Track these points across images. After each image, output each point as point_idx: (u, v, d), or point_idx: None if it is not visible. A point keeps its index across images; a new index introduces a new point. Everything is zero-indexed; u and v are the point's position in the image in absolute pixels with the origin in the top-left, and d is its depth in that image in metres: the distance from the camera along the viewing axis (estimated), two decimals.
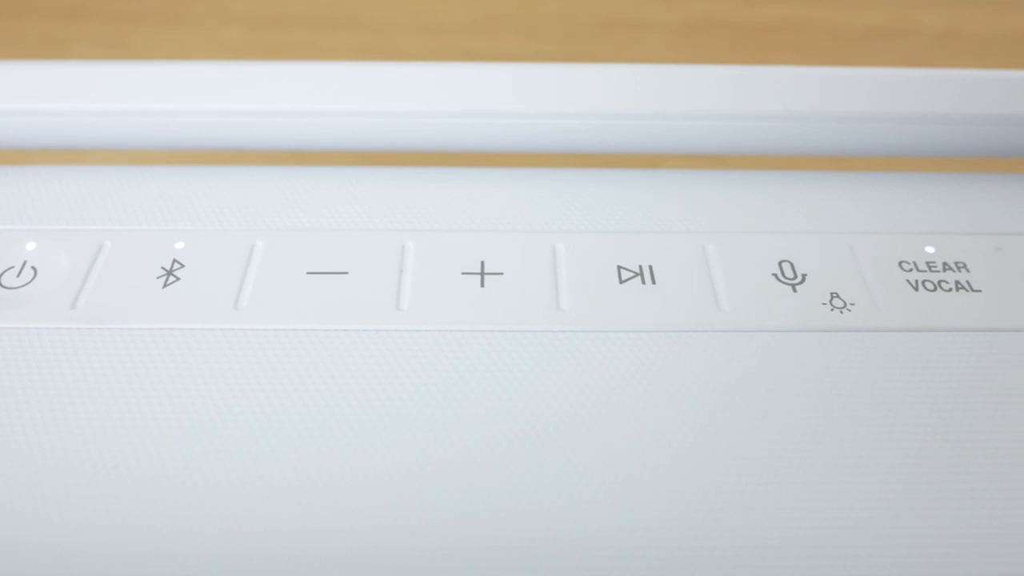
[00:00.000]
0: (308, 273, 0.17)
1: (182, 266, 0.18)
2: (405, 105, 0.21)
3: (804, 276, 0.18)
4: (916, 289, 0.18)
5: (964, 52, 0.40)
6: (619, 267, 0.18)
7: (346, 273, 0.17)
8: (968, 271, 0.18)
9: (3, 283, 0.17)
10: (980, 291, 0.18)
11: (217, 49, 0.40)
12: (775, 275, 0.18)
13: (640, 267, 0.18)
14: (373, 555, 0.14)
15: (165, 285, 0.17)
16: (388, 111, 0.21)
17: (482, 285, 0.17)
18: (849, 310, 0.17)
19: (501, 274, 0.18)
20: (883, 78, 0.21)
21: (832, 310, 0.17)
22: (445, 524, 0.14)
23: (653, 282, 0.17)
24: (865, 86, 0.21)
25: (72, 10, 0.42)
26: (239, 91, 0.21)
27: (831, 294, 0.17)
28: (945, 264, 0.18)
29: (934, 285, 0.18)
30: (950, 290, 0.18)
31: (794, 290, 0.17)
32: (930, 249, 0.18)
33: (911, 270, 0.18)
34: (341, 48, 0.40)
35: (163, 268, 0.18)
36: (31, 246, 0.18)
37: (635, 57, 0.41)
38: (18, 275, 0.17)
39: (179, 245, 0.18)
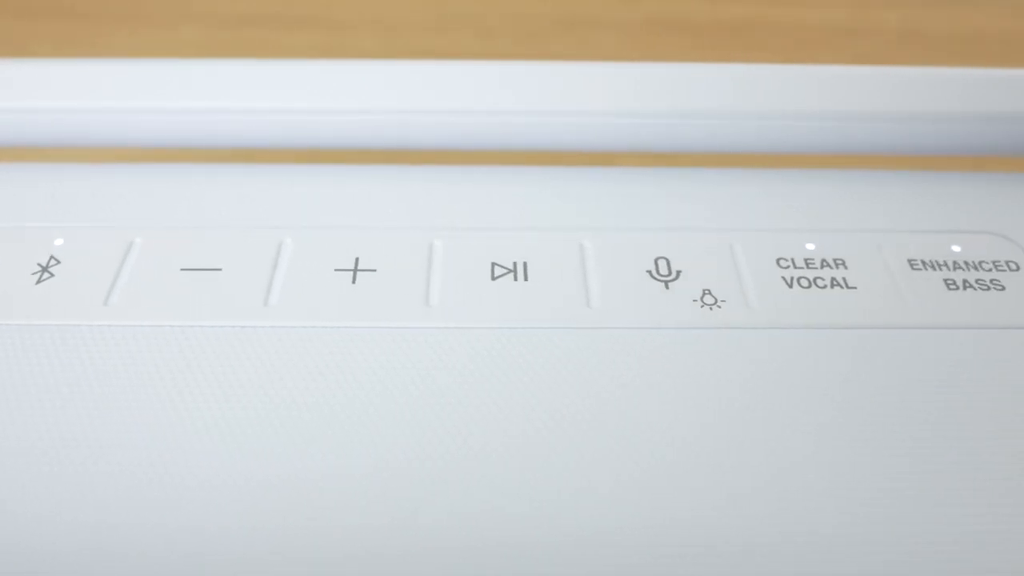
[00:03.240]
0: (182, 269, 0.17)
1: (58, 263, 0.18)
2: (348, 103, 0.21)
3: (678, 273, 0.18)
4: (790, 286, 0.18)
5: (924, 50, 0.40)
6: (493, 264, 0.18)
7: (220, 270, 0.17)
8: (846, 268, 0.18)
9: None
10: (855, 288, 0.18)
11: (176, 48, 0.40)
12: (649, 272, 0.18)
13: (514, 264, 0.18)
14: (220, 558, 0.14)
15: (39, 281, 0.17)
16: (338, 109, 0.21)
17: (353, 282, 0.17)
18: (719, 307, 0.17)
19: (374, 271, 0.18)
20: (836, 75, 0.21)
21: (702, 307, 0.17)
22: (312, 526, 0.14)
23: (525, 279, 0.17)
24: (816, 83, 0.21)
25: (32, 10, 0.42)
26: (193, 89, 0.21)
27: (703, 291, 0.17)
28: (824, 261, 0.18)
29: (809, 282, 0.18)
30: (825, 287, 0.18)
31: (666, 287, 0.17)
32: (811, 246, 0.18)
33: (788, 267, 0.18)
34: (299, 47, 0.40)
35: (39, 264, 0.18)
36: None
37: (593, 56, 0.41)
38: None
39: (58, 242, 0.18)
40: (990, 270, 0.18)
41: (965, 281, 0.18)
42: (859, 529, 0.14)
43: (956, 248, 0.18)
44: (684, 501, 0.14)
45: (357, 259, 0.18)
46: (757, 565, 0.14)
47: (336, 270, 0.18)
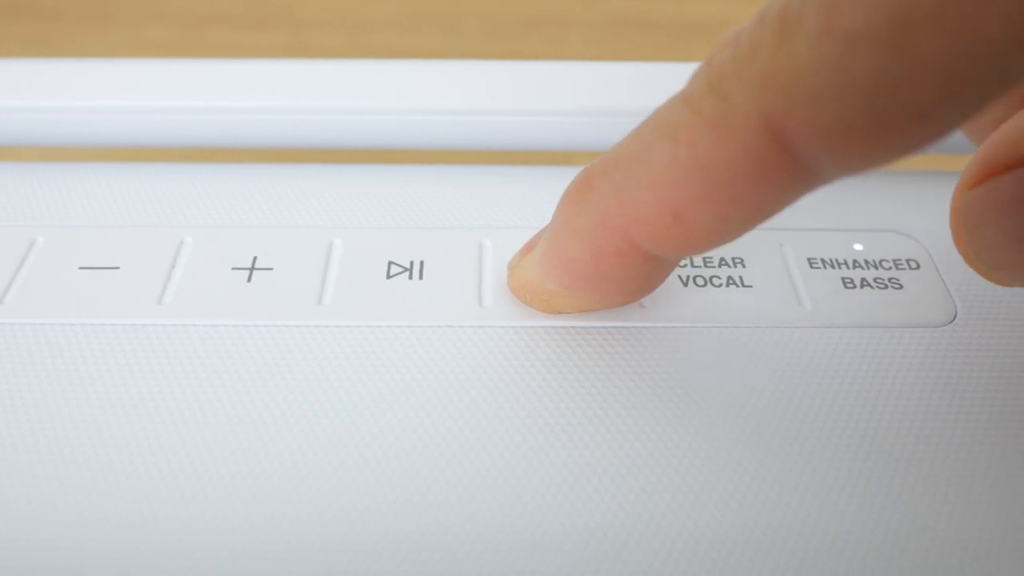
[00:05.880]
0: (80, 268, 0.18)
1: None
2: (311, 102, 0.21)
3: None
4: (685, 284, 0.18)
5: None
6: (390, 262, 0.18)
7: (117, 268, 0.18)
8: (744, 267, 0.18)
9: None
10: (751, 287, 0.18)
11: (142, 48, 0.40)
12: None
13: (411, 263, 0.18)
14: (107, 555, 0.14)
15: None
16: (299, 108, 0.21)
17: (249, 280, 0.17)
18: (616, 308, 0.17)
19: (271, 269, 0.18)
20: None
21: None
22: (201, 523, 0.14)
23: (421, 278, 0.18)
24: None
25: None
26: (155, 88, 0.21)
27: None
28: (722, 260, 0.18)
29: (705, 280, 0.18)
30: (720, 286, 0.18)
31: None
32: None
33: (685, 265, 0.18)
34: (265, 46, 0.40)
35: None
36: None
37: (560, 55, 0.41)
38: None
39: None
40: (890, 268, 0.18)
41: (863, 280, 0.18)
42: (748, 531, 0.14)
43: (858, 246, 0.18)
44: (574, 498, 0.14)
45: (255, 258, 0.18)
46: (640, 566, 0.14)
47: (233, 268, 0.18)
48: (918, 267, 0.18)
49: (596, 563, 0.14)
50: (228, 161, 0.20)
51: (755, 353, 0.16)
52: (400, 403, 0.15)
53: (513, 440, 0.15)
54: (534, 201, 0.19)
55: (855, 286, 0.18)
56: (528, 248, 0.16)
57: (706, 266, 0.18)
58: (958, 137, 0.19)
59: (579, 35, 0.42)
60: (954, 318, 0.17)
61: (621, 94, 0.21)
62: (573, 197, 0.15)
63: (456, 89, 0.21)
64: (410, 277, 0.17)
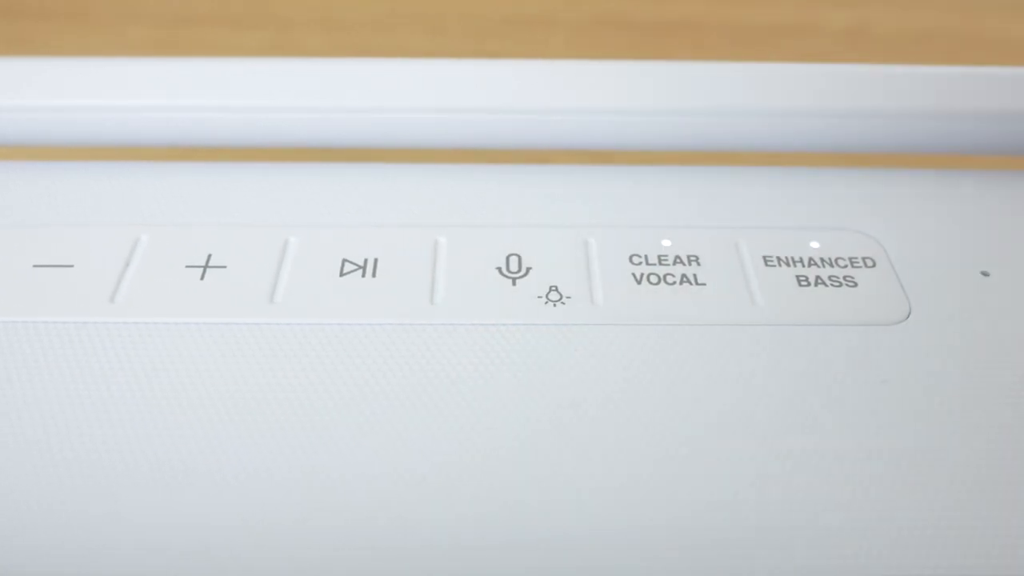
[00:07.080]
0: (34, 266, 0.18)
1: None
2: (281, 101, 0.21)
3: (528, 269, 0.18)
4: (639, 283, 0.18)
5: (870, 49, 0.40)
6: (344, 260, 0.18)
7: (71, 266, 0.18)
8: (699, 265, 0.18)
9: None
10: (705, 285, 0.18)
11: (125, 48, 0.40)
12: (499, 268, 0.18)
13: (365, 260, 0.18)
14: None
15: None
16: (280, 107, 0.21)
17: (202, 278, 0.17)
18: (564, 303, 0.17)
19: (224, 267, 0.18)
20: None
21: (547, 303, 0.17)
22: (144, 522, 0.14)
23: (374, 276, 0.17)
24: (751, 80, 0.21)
25: None
26: (134, 87, 0.21)
27: (550, 287, 0.17)
28: (677, 258, 0.18)
29: (659, 279, 0.18)
30: (674, 284, 0.18)
31: (514, 284, 0.17)
32: (666, 243, 0.18)
33: (640, 264, 0.18)
34: (246, 46, 0.40)
35: None
36: None
37: (541, 54, 0.41)
38: None
39: None
40: (845, 266, 0.18)
41: (818, 278, 0.18)
42: (692, 529, 0.14)
43: (815, 244, 0.18)
44: (526, 496, 0.14)
45: (209, 256, 0.18)
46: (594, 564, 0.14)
47: (187, 267, 0.18)
48: (874, 265, 0.18)
49: (547, 560, 0.14)
50: (192, 159, 0.20)
51: (707, 351, 0.16)
52: (350, 401, 0.15)
53: (459, 439, 0.15)
54: (489, 199, 0.19)
55: (809, 284, 0.18)
56: None
57: (660, 264, 0.18)
58: (919, 136, 0.19)
59: (561, 34, 0.42)
60: (907, 316, 0.17)
61: (601, 92, 0.21)
62: None
63: (437, 88, 0.21)
64: (363, 275, 0.17)
